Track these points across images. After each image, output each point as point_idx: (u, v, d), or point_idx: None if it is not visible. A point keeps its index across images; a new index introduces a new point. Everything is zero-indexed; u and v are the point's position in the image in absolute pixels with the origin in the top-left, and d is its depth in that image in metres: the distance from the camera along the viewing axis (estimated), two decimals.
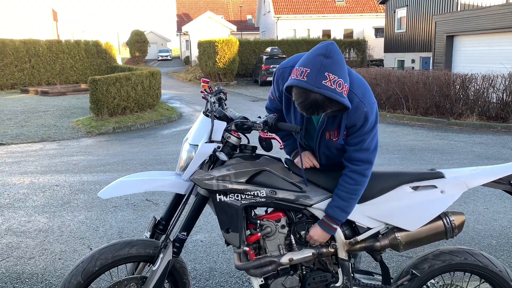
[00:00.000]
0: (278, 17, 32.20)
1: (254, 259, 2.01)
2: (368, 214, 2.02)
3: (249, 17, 45.70)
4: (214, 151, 1.96)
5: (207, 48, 23.41)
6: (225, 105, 2.30)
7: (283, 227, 2.03)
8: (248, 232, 2.05)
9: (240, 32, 39.06)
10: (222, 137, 2.01)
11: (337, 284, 2.05)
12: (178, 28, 44.08)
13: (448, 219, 2.02)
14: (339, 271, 2.06)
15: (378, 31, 31.40)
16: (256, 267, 1.99)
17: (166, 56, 51.13)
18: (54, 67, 21.43)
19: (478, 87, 10.42)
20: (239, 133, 2.01)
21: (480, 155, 6.88)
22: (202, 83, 2.32)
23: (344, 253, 2.04)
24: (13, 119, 11.71)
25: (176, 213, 2.11)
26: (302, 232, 2.05)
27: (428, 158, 6.73)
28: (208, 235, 3.89)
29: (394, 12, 22.60)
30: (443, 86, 10.81)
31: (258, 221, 2.02)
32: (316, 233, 1.98)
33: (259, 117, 1.98)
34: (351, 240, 2.02)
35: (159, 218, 2.18)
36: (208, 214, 4.28)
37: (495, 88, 10.10)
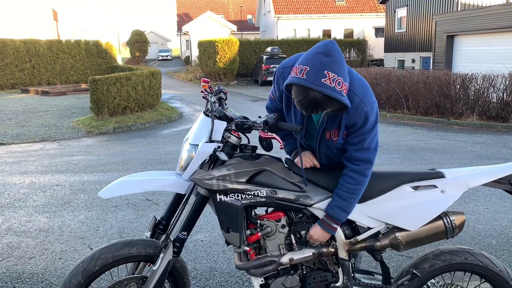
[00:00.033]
0: (278, 17, 32.20)
1: (254, 259, 2.01)
2: (368, 214, 2.02)
3: (249, 17, 45.70)
4: (215, 151, 1.96)
5: (208, 48, 23.41)
6: (225, 105, 2.30)
7: (283, 226, 2.03)
8: (248, 232, 2.05)
9: (240, 32, 39.07)
10: (222, 137, 2.01)
11: (338, 284, 2.05)
12: (179, 28, 44.09)
13: (448, 219, 2.02)
14: (340, 271, 2.06)
15: (378, 31, 31.39)
16: (257, 267, 1.99)
17: (167, 56, 51.13)
18: (55, 67, 21.44)
19: (478, 86, 10.42)
20: (239, 133, 2.01)
21: (481, 155, 6.88)
22: (202, 83, 2.32)
23: (344, 252, 2.04)
24: (13, 119, 11.71)
25: (177, 213, 2.11)
26: (303, 232, 2.05)
27: (428, 158, 6.73)
28: (208, 235, 3.89)
29: (394, 12, 22.59)
30: (443, 86, 10.81)
31: (259, 221, 2.02)
32: (316, 232, 1.98)
33: (259, 117, 1.98)
34: (352, 240, 2.02)
35: (159, 218, 2.18)
36: (209, 214, 4.28)
37: (495, 88, 10.10)
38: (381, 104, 11.80)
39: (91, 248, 3.66)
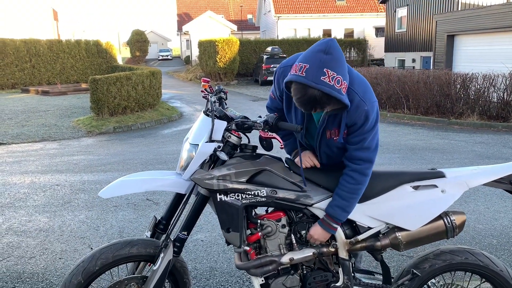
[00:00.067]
0: (278, 17, 32.19)
1: (254, 258, 2.01)
2: (368, 214, 2.02)
3: (249, 16, 45.69)
4: (215, 150, 1.96)
5: (208, 48, 23.41)
6: (226, 104, 2.30)
7: (283, 226, 2.03)
8: (248, 231, 2.05)
9: (240, 32, 39.06)
10: (223, 136, 2.01)
11: (338, 284, 2.05)
12: (179, 28, 44.09)
13: (448, 218, 2.02)
14: (340, 270, 2.05)
15: (379, 31, 31.38)
16: (257, 267, 1.99)
17: (167, 55, 51.12)
18: (55, 66, 21.44)
19: (478, 86, 10.41)
20: (239, 132, 2.00)
21: (481, 154, 6.87)
22: (202, 83, 2.31)
23: (344, 252, 2.03)
24: (13, 118, 11.72)
25: (177, 212, 2.11)
26: (303, 232, 2.05)
27: (428, 157, 6.72)
28: (208, 235, 3.89)
29: (395, 11, 22.58)
30: (443, 85, 10.81)
31: (259, 221, 2.02)
32: (317, 232, 1.98)
33: (260, 116, 1.98)
34: (352, 239, 2.02)
35: (159, 218, 2.18)
36: (209, 214, 4.28)
37: (496, 88, 10.09)
38: (381, 103, 11.79)
39: (91, 248, 3.66)
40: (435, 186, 2.02)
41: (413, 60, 20.67)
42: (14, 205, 4.83)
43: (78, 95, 17.42)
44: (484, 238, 3.71)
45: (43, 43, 21.12)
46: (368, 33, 32.01)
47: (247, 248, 2.01)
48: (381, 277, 2.16)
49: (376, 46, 29.54)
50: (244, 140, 2.08)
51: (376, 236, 2.03)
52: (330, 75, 1.66)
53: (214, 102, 2.17)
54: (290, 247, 2.05)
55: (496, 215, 4.24)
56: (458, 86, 10.73)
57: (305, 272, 2.06)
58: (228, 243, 2.02)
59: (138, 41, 44.82)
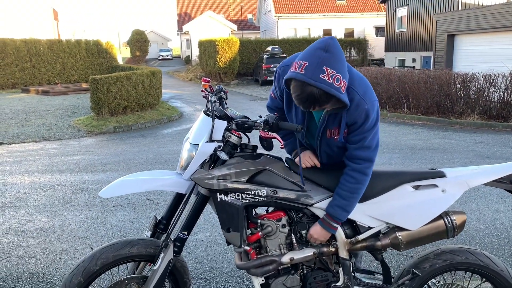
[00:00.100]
0: (278, 17, 32.18)
1: (255, 258, 2.01)
2: (369, 213, 2.02)
3: (249, 16, 45.69)
4: (215, 150, 1.96)
5: (208, 48, 23.41)
6: (226, 104, 2.30)
7: (284, 226, 2.03)
8: (249, 231, 2.05)
9: (240, 32, 39.05)
10: (223, 136, 2.00)
11: (338, 284, 2.05)
12: (179, 28, 44.09)
13: (449, 218, 2.02)
14: (340, 270, 2.05)
15: (379, 30, 31.36)
16: (257, 267, 1.99)
17: (167, 55, 51.13)
18: (55, 66, 21.44)
19: (479, 86, 10.40)
20: (239, 132, 2.00)
21: (481, 154, 6.87)
22: (202, 82, 2.31)
23: (345, 252, 2.03)
24: (14, 118, 11.72)
25: (177, 212, 2.11)
26: (303, 232, 2.05)
27: (429, 157, 6.72)
28: (209, 235, 3.89)
29: (395, 11, 22.57)
30: (444, 85, 10.80)
31: (259, 221, 2.02)
32: (317, 231, 1.98)
33: (260, 116, 1.98)
34: (352, 239, 2.02)
35: (160, 218, 2.18)
36: (209, 214, 4.28)
37: (496, 87, 10.09)
38: (381, 103, 11.79)
39: (92, 248, 3.66)
40: (436, 185, 2.02)
41: (413, 60, 20.67)
42: (14, 205, 4.84)
43: (78, 95, 17.43)
44: (485, 238, 3.71)
45: (44, 43, 21.12)
46: (368, 32, 31.99)
47: (248, 248, 2.01)
48: (382, 277, 2.16)
49: (376, 46, 29.53)
50: (244, 140, 2.08)
51: (376, 236, 2.03)
52: (329, 73, 1.66)
53: (214, 102, 2.17)
54: (290, 247, 2.05)
55: (497, 214, 4.24)
56: (459, 85, 10.72)
57: (305, 272, 2.06)
58: (228, 243, 2.02)
59: (138, 41, 44.83)
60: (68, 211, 4.59)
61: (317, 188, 2.02)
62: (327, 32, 32.37)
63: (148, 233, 2.16)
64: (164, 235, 2.10)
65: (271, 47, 23.25)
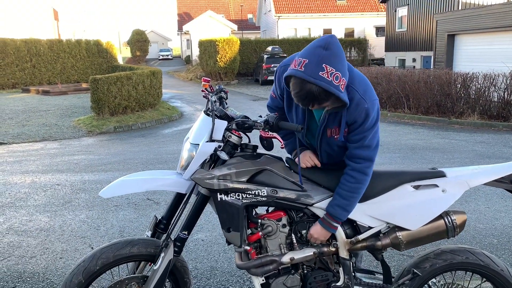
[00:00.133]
0: (279, 16, 32.18)
1: (255, 258, 2.01)
2: (369, 213, 2.02)
3: (250, 16, 45.69)
4: (215, 150, 1.96)
5: (208, 47, 23.41)
6: (226, 104, 2.30)
7: (284, 226, 2.03)
8: (249, 231, 2.05)
9: (241, 31, 39.04)
10: (223, 136, 2.00)
11: (338, 283, 2.05)
12: (179, 27, 44.09)
13: (449, 218, 2.02)
14: (340, 270, 2.05)
15: (379, 30, 31.36)
16: (257, 266, 1.99)
17: (167, 55, 51.14)
18: (55, 66, 21.44)
19: (479, 86, 10.40)
20: (240, 132, 2.00)
21: (482, 154, 6.87)
22: (203, 82, 2.31)
23: (345, 252, 2.03)
24: (14, 118, 11.72)
25: (177, 212, 2.11)
26: (303, 231, 2.05)
27: (429, 157, 6.72)
28: (209, 234, 3.89)
29: (395, 11, 22.56)
30: (444, 85, 10.80)
31: (259, 220, 2.02)
32: (317, 231, 1.98)
33: (260, 116, 1.98)
34: (352, 239, 2.02)
35: (160, 217, 2.18)
36: (209, 213, 4.28)
37: (496, 87, 10.08)
38: (382, 103, 11.79)
39: (92, 248, 3.66)
40: (436, 185, 2.02)
41: (414, 60, 20.66)
42: (14, 205, 4.84)
43: (78, 95, 17.43)
44: (485, 238, 3.71)
45: (44, 43, 21.12)
46: (369, 32, 31.99)
47: (248, 247, 2.01)
48: (382, 276, 2.16)
49: (377, 46, 29.52)
50: (245, 140, 2.08)
51: (376, 235, 2.03)
52: (328, 70, 1.66)
53: (215, 101, 2.17)
54: (290, 247, 2.05)
55: (497, 214, 4.24)
56: (459, 85, 10.72)
57: (305, 271, 2.06)
58: (228, 243, 2.02)
59: (139, 41, 44.84)
60: (69, 211, 4.60)
61: (318, 188, 2.02)
62: (327, 32, 32.33)
63: (149, 233, 2.16)
64: (165, 235, 2.10)
65: (271, 47, 23.24)
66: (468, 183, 2.02)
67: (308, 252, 2.01)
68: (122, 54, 39.73)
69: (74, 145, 8.65)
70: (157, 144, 8.48)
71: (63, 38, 24.91)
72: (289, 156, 2.22)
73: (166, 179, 2.04)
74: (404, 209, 2.00)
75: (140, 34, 45.43)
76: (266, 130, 1.90)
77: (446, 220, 2.02)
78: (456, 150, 7.23)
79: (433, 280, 2.11)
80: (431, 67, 16.85)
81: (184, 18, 44.59)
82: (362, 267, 2.42)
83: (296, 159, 2.08)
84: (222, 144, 1.99)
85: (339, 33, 32.02)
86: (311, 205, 1.99)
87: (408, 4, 21.24)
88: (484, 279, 2.09)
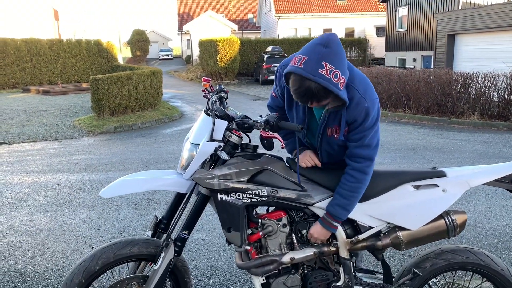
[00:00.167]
0: (279, 16, 32.17)
1: (255, 258, 2.01)
2: (369, 213, 2.02)
3: (250, 16, 45.68)
4: (216, 150, 1.96)
5: (208, 47, 23.41)
6: (226, 104, 2.30)
7: (284, 226, 2.03)
8: (249, 231, 2.05)
9: (241, 31, 39.03)
10: (223, 136, 2.01)
11: (339, 283, 2.05)
12: (179, 27, 44.08)
13: (450, 218, 2.02)
14: (341, 270, 2.05)
15: (379, 30, 31.35)
16: (258, 266, 1.99)
17: (167, 55, 51.14)
18: (56, 66, 21.44)
19: (479, 85, 10.40)
20: (240, 132, 2.00)
21: (482, 154, 6.87)
22: (203, 82, 2.31)
23: (345, 252, 2.03)
24: (14, 118, 11.73)
25: (178, 212, 2.11)
26: (304, 231, 2.05)
27: (429, 157, 6.72)
28: (209, 234, 3.89)
29: (396, 10, 22.56)
30: (444, 84, 10.79)
31: (260, 220, 2.02)
32: (317, 231, 1.98)
33: (261, 116, 1.98)
34: (353, 239, 2.02)
35: (160, 217, 2.18)
36: (210, 213, 4.28)
37: (497, 87, 10.08)
38: (382, 103, 11.78)
39: (92, 247, 3.66)
40: (436, 185, 2.02)
41: (414, 60, 20.66)
42: (15, 205, 4.84)
43: (79, 95, 17.43)
44: (485, 238, 3.71)
45: (44, 43, 21.12)
46: (369, 32, 31.98)
47: (248, 247, 2.01)
48: (382, 276, 2.16)
49: (377, 46, 29.52)
50: (245, 140, 2.08)
51: (377, 235, 2.03)
52: (328, 68, 1.66)
53: (215, 101, 2.17)
54: (291, 247, 2.05)
55: (497, 214, 4.23)
56: (459, 85, 10.72)
57: (306, 271, 2.06)
58: (229, 243, 2.02)
59: (139, 41, 44.84)
60: (69, 211, 4.60)
61: (318, 187, 2.02)
62: (327, 32, 32.31)
63: (149, 233, 2.16)
64: (165, 235, 2.10)
65: (271, 46, 23.23)
66: (468, 183, 2.02)
67: (309, 252, 2.01)
68: (122, 54, 39.73)
69: (74, 145, 8.66)
70: (158, 144, 8.48)
71: (63, 38, 24.91)
72: (290, 156, 2.22)
73: (167, 179, 2.04)
74: (405, 209, 2.00)
75: (141, 34, 45.43)
76: (267, 130, 1.90)
77: (447, 220, 2.02)
78: (456, 150, 7.23)
79: (434, 280, 2.11)
80: (432, 67, 16.84)
81: (184, 18, 44.59)
82: (363, 267, 2.41)
83: (296, 158, 2.08)
84: (222, 144, 1.99)
85: (340, 33, 31.99)
86: (312, 205, 1.99)
87: (408, 4, 21.23)
88: (485, 279, 2.09)
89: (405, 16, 21.70)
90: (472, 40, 14.75)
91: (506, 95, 9.93)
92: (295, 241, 2.02)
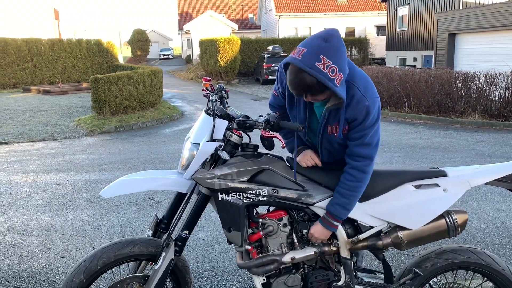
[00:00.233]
0: (279, 16, 32.16)
1: (256, 257, 2.01)
2: (370, 213, 2.02)
3: (250, 15, 45.66)
4: (216, 149, 1.96)
5: (209, 47, 23.40)
6: (227, 103, 2.30)
7: (285, 225, 2.03)
8: (250, 230, 2.05)
9: (241, 31, 39.02)
10: (224, 135, 2.00)
11: (339, 283, 2.04)
12: (180, 27, 44.07)
13: (450, 217, 2.02)
14: (341, 269, 2.05)
15: (380, 29, 31.32)
16: (258, 266, 1.99)
17: (168, 55, 51.15)
18: (56, 66, 21.44)
19: (480, 85, 10.39)
20: (240, 131, 2.00)
21: (483, 153, 6.86)
22: (203, 82, 2.31)
23: (346, 251, 2.03)
24: (15, 118, 11.73)
25: (178, 211, 2.11)
26: (304, 231, 2.04)
27: (430, 156, 6.71)
28: (210, 234, 3.89)
29: (396, 10, 22.54)
30: (445, 84, 10.79)
31: (260, 220, 2.02)
32: (317, 230, 1.98)
33: (261, 115, 1.97)
34: (353, 238, 2.02)
35: (161, 217, 2.18)
36: (210, 213, 4.28)
37: (498, 86, 10.07)
38: (382, 102, 11.78)
39: (93, 247, 3.66)
40: (437, 185, 2.02)
41: (415, 59, 20.65)
42: (16, 204, 4.84)
43: (79, 95, 17.44)
44: (486, 237, 3.70)
45: (45, 43, 21.12)
46: (370, 32, 31.95)
47: (249, 247, 2.00)
48: (383, 276, 2.16)
49: (378, 45, 29.50)
50: (245, 139, 2.08)
51: (377, 235, 2.03)
52: (325, 62, 1.66)
53: (215, 101, 2.17)
54: (291, 246, 2.05)
55: (498, 214, 4.23)
56: (460, 84, 10.71)
57: (306, 271, 2.06)
58: (229, 242, 2.02)
59: (139, 40, 44.85)
60: (70, 211, 4.60)
61: (318, 187, 2.02)
62: None
63: (150, 233, 2.16)
64: (165, 235, 2.10)
65: (272, 46, 23.23)
66: (469, 182, 2.01)
67: (309, 251, 2.01)
68: (123, 53, 39.74)
69: (75, 144, 8.66)
70: (158, 144, 8.48)
71: (64, 37, 24.89)
72: (290, 155, 2.22)
73: (167, 179, 2.04)
74: (405, 208, 2.00)
75: (141, 34, 45.44)
76: (267, 129, 1.89)
77: (447, 219, 2.01)
78: (457, 149, 7.22)
79: (434, 279, 2.11)
80: (432, 66, 16.83)
81: (184, 18, 44.58)
82: (363, 267, 2.41)
83: (298, 158, 2.07)
84: (223, 143, 1.99)
85: (340, 33, 31.90)
86: (312, 204, 1.99)
87: (409, 3, 21.21)
88: (486, 279, 2.09)
89: (406, 16, 21.69)
90: (472, 40, 14.74)
91: (506, 95, 9.92)
92: (295, 240, 2.02)
